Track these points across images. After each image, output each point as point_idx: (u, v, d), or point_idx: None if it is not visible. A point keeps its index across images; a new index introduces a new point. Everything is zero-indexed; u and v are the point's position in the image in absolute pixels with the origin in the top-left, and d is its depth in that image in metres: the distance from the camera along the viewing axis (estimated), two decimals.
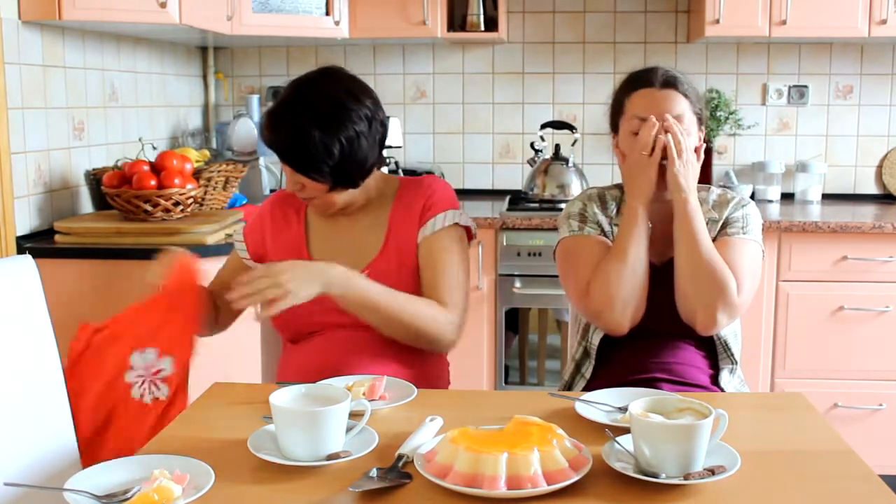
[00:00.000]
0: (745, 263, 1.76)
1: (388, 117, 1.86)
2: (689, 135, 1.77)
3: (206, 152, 3.22)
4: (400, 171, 3.37)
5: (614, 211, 1.88)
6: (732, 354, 1.80)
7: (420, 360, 1.81)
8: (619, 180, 1.92)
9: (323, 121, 1.70)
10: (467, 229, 1.90)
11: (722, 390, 1.79)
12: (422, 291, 1.80)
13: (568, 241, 1.87)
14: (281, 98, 1.75)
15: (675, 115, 1.76)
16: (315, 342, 1.80)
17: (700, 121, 1.82)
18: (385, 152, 3.47)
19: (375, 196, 1.87)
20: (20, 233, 2.55)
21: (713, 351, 1.81)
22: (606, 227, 1.86)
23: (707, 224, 1.81)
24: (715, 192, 1.88)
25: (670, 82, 1.79)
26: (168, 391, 1.58)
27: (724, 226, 1.82)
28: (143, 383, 1.63)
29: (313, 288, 1.60)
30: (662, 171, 1.76)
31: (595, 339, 1.83)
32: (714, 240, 1.78)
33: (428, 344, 1.76)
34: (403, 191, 1.88)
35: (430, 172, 3.54)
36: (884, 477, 1.25)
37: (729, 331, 1.80)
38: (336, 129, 1.70)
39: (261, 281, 1.57)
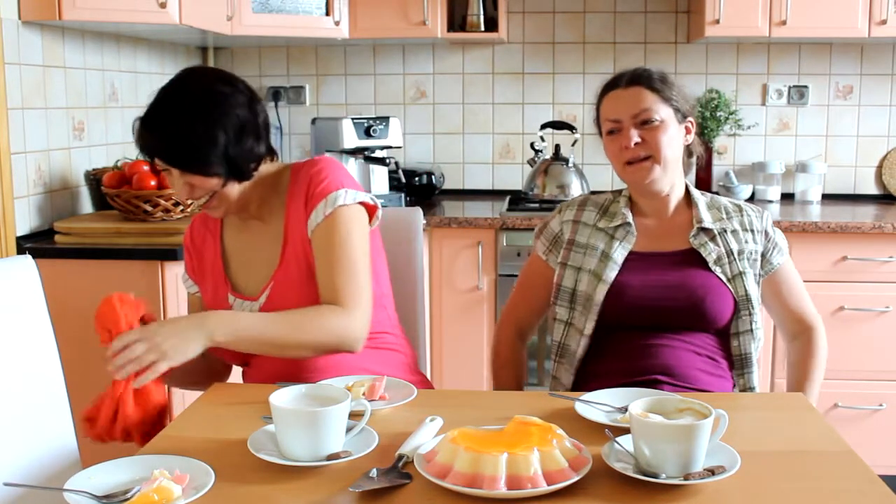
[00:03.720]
0: (803, 288, 1.91)
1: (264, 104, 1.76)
2: (665, 130, 1.77)
3: None
4: (400, 171, 3.37)
5: (594, 218, 1.87)
6: (750, 373, 1.82)
7: (382, 360, 1.76)
8: (619, 182, 1.92)
9: (202, 111, 1.62)
10: (365, 204, 1.73)
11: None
12: (319, 288, 1.67)
13: (530, 257, 1.97)
14: (151, 104, 1.65)
15: (641, 109, 1.77)
16: (265, 361, 1.72)
17: (681, 113, 1.81)
18: (385, 152, 3.48)
19: (271, 191, 1.75)
20: (20, 233, 2.55)
21: (713, 353, 1.81)
22: (567, 235, 1.87)
23: (728, 233, 1.82)
24: (723, 200, 1.89)
25: (636, 80, 1.80)
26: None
27: (766, 251, 1.84)
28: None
29: (195, 344, 1.52)
30: (637, 170, 1.78)
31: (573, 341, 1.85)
32: (763, 274, 1.85)
33: (333, 352, 1.65)
34: (293, 181, 1.74)
35: (430, 173, 3.55)
36: (884, 477, 1.25)
37: (754, 348, 1.82)
38: (217, 116, 1.62)
39: (136, 347, 1.46)
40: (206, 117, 1.61)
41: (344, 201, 1.67)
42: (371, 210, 1.74)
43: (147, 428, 1.50)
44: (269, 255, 1.73)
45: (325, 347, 1.62)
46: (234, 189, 1.67)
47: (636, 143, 1.76)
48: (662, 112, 1.78)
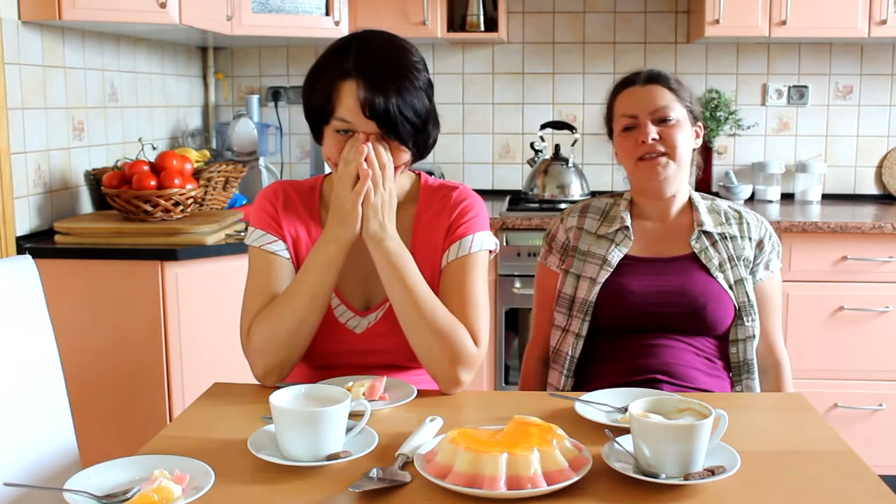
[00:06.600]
0: (780, 314, 1.88)
1: None
2: (681, 129, 1.78)
3: (206, 152, 3.22)
4: None
5: (595, 225, 1.87)
6: (751, 379, 1.80)
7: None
8: (619, 183, 1.92)
9: (429, 83, 1.56)
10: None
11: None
12: None
13: (537, 268, 1.96)
14: (371, 62, 1.49)
15: (659, 105, 1.78)
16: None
17: (693, 116, 1.83)
18: None
19: (400, 193, 1.66)
20: (20, 233, 2.55)
21: (711, 356, 1.80)
22: (571, 242, 1.87)
23: (728, 239, 1.81)
24: (723, 205, 1.89)
25: (653, 78, 1.81)
26: None
27: (755, 263, 1.83)
28: None
29: (363, 232, 1.50)
30: (651, 166, 1.77)
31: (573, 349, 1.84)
32: (754, 280, 1.82)
33: (447, 359, 1.53)
34: (428, 199, 1.68)
35: (430, 173, 3.54)
36: (884, 477, 1.25)
37: (755, 354, 1.81)
38: (420, 83, 1.53)
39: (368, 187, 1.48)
40: (430, 89, 1.57)
41: (488, 247, 1.63)
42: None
43: None
44: None
45: (444, 343, 1.52)
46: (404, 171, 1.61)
47: (653, 140, 1.77)
48: (678, 111, 1.79)
